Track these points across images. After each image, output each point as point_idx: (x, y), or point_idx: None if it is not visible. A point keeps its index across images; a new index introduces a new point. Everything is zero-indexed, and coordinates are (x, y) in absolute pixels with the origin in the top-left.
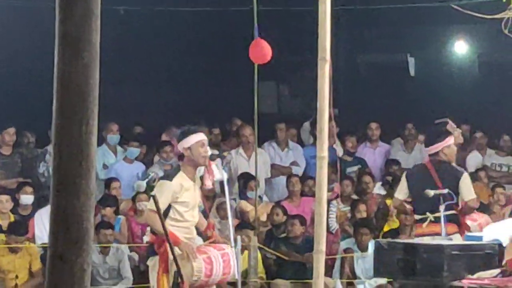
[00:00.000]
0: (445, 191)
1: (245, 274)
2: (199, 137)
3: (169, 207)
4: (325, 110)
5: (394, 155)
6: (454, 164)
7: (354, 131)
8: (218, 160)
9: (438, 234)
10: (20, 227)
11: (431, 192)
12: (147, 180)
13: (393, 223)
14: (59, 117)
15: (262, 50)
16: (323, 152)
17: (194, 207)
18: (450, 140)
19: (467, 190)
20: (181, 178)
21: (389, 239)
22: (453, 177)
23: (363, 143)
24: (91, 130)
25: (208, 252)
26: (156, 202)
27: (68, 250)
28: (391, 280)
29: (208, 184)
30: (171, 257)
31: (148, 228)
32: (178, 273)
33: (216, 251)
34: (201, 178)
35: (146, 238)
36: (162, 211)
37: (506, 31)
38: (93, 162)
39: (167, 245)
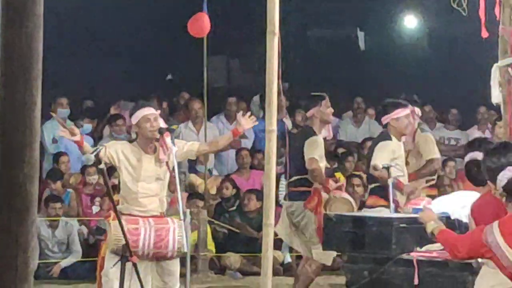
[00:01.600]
0: (393, 163)
1: (194, 247)
2: (145, 112)
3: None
4: (273, 84)
5: (344, 129)
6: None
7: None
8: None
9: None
10: None
11: (379, 165)
12: (95, 153)
13: None
14: (3, 88)
15: (201, 24)
16: (272, 125)
17: (148, 180)
18: (400, 113)
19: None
20: (128, 146)
21: (338, 212)
22: None
23: None
24: (35, 101)
25: (139, 223)
26: (104, 175)
27: (13, 221)
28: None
29: (162, 157)
30: (111, 226)
31: (98, 199)
32: (127, 247)
33: (153, 224)
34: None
35: (96, 208)
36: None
37: (455, 5)
38: (37, 132)
39: (113, 214)
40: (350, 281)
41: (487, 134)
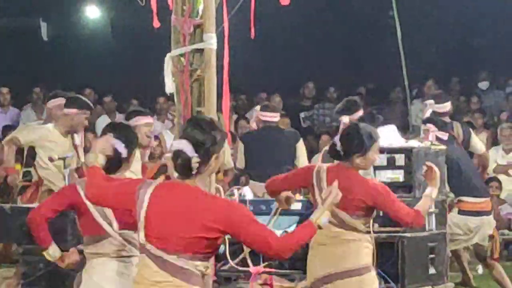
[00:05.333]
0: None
1: None
2: None
3: None
4: None
5: (25, 119)
6: None
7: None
8: None
9: None
10: None
11: (55, 156)
12: None
13: None
14: None
15: None
16: None
17: None
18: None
19: None
20: None
21: (12, 204)
22: None
23: None
24: None
25: None
26: None
27: None
28: None
29: None
30: None
31: None
32: None
33: None
34: None
35: None
36: None
37: None
38: None
39: None
40: (26, 273)
41: (168, 124)
